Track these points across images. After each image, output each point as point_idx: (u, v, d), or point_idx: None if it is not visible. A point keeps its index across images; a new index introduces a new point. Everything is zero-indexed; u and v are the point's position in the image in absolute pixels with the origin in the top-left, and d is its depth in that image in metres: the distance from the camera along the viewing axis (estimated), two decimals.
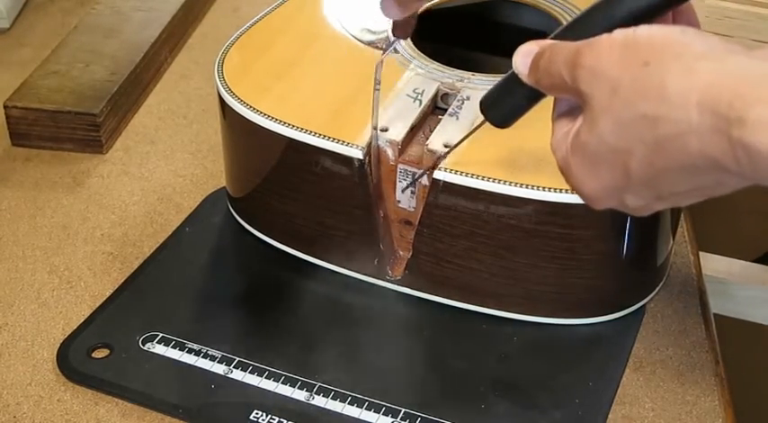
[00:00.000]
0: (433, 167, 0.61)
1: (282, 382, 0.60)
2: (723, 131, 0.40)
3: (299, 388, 0.60)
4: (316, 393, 0.60)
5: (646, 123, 0.42)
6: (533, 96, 0.50)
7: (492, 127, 0.65)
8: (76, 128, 0.81)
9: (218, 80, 0.69)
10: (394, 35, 0.63)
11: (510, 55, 0.50)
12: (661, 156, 0.43)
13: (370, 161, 0.63)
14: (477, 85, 0.68)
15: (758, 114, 0.38)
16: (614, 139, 0.44)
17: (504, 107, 0.52)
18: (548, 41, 0.48)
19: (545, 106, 0.67)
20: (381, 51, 0.66)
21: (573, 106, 0.48)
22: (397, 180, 0.64)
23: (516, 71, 0.49)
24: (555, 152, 0.49)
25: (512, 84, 0.51)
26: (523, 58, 0.49)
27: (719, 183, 0.43)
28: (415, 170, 0.63)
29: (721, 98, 0.40)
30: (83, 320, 0.65)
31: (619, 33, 0.44)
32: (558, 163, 0.49)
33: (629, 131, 0.43)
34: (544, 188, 0.59)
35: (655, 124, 0.42)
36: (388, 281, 0.66)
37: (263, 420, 0.58)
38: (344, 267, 0.68)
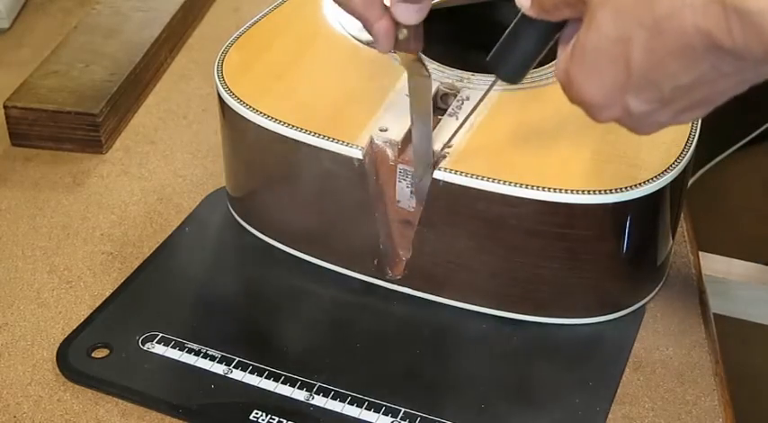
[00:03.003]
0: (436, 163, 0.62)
1: (282, 382, 0.60)
2: (717, 1, 0.41)
3: (298, 388, 0.60)
4: (315, 393, 0.59)
5: (643, 5, 0.43)
6: (539, 39, 0.52)
7: (491, 127, 0.65)
8: (76, 128, 0.81)
9: (217, 80, 0.69)
10: (409, 51, 0.59)
11: None
12: (660, 39, 0.44)
13: (370, 161, 0.63)
14: (477, 85, 0.68)
15: None
16: (614, 28, 0.45)
17: (513, 58, 0.53)
18: None
19: (542, 107, 0.67)
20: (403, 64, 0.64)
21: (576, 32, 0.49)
22: (397, 180, 0.64)
23: (520, 5, 0.50)
24: (557, 72, 0.50)
25: (516, 32, 0.52)
26: None
27: (717, 70, 0.44)
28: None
29: None
30: (82, 320, 0.65)
31: None
32: (559, 79, 0.50)
33: (628, 17, 0.44)
34: (544, 188, 0.59)
35: (652, 4, 0.43)
36: (388, 281, 0.66)
37: (262, 420, 0.58)
38: (344, 267, 0.68)
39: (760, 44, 0.41)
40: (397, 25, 0.57)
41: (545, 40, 0.52)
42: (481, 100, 0.62)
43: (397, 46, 0.58)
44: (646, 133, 0.50)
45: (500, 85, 0.68)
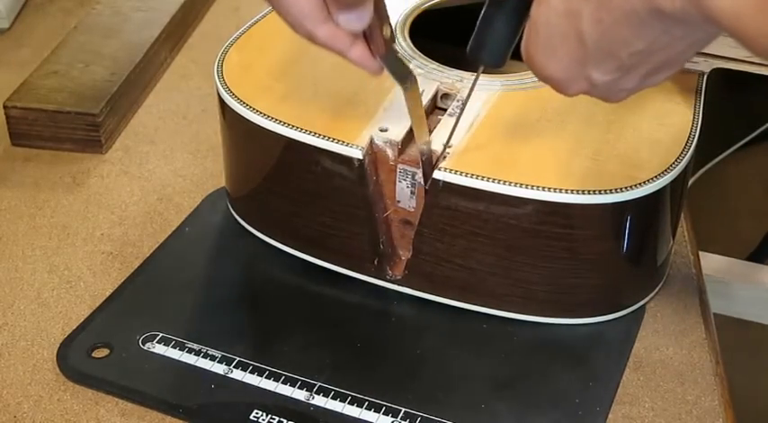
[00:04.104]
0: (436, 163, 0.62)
1: (282, 382, 0.60)
2: None
3: (298, 388, 0.60)
4: (316, 393, 0.60)
5: None
6: (510, 19, 0.53)
7: (491, 127, 0.65)
8: (76, 128, 0.81)
9: (217, 80, 0.69)
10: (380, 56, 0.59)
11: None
12: (605, 8, 0.45)
13: (370, 161, 0.63)
14: (478, 85, 0.68)
15: None
16: (561, 1, 0.46)
17: (490, 43, 0.54)
18: None
19: (542, 107, 0.67)
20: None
21: None
22: (397, 180, 0.64)
23: None
24: (522, 52, 0.50)
25: (488, 16, 0.53)
26: None
27: (669, 34, 0.45)
28: (415, 170, 0.63)
29: None
30: (83, 320, 0.65)
31: None
32: (524, 59, 0.50)
33: None
34: (544, 188, 0.59)
35: None
36: (388, 281, 0.66)
37: (263, 420, 0.58)
38: (345, 267, 0.68)
39: (694, 6, 0.42)
40: (371, 48, 0.57)
41: (516, 21, 0.53)
42: (471, 92, 0.62)
43: (386, 64, 0.59)
44: (617, 101, 0.51)
45: (497, 82, 0.68)
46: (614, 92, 0.50)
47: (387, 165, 0.64)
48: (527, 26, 0.49)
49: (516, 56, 0.55)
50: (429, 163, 0.62)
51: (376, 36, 0.57)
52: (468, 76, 0.69)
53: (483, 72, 0.69)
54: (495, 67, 0.56)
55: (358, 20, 0.55)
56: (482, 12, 0.54)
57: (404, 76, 0.61)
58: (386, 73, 0.60)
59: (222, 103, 0.68)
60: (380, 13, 0.57)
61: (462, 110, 0.64)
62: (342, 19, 0.55)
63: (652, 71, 0.48)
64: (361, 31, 0.57)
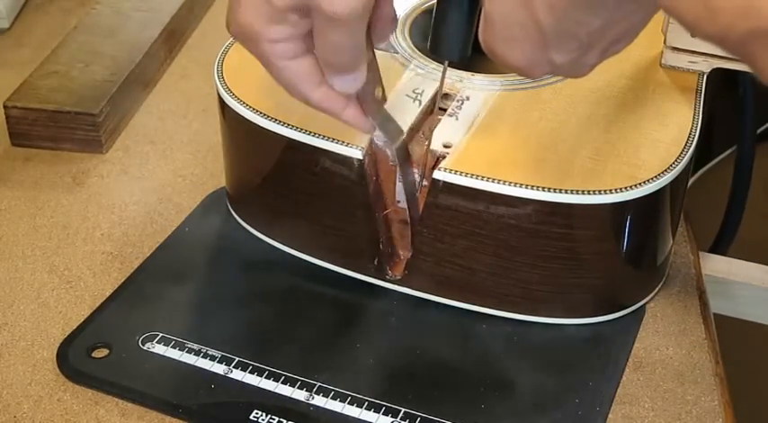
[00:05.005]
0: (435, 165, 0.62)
1: (282, 382, 0.60)
2: None
3: (298, 388, 0.60)
4: (315, 393, 0.60)
5: None
6: (462, 12, 0.53)
7: (491, 126, 0.65)
8: (76, 128, 0.81)
9: (217, 80, 0.69)
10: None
11: None
12: None
13: (370, 161, 0.63)
14: (477, 85, 0.68)
15: None
16: None
17: (447, 37, 0.55)
18: None
19: (542, 107, 0.67)
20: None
21: None
22: (397, 180, 0.64)
23: None
24: (481, 43, 0.51)
25: (441, 11, 0.54)
26: None
27: (621, 10, 0.45)
28: (415, 170, 0.63)
29: None
30: (82, 320, 0.65)
31: None
32: (484, 49, 0.50)
33: None
34: (544, 188, 0.59)
35: None
36: (388, 281, 0.66)
37: (262, 420, 0.58)
38: (345, 267, 0.68)
39: None
40: (363, 107, 0.58)
41: (469, 14, 0.53)
42: (441, 85, 0.63)
43: (378, 124, 0.60)
44: (582, 75, 0.52)
45: (497, 81, 0.68)
46: (578, 68, 0.50)
47: (387, 165, 0.64)
48: (482, 18, 0.49)
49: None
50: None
51: (369, 97, 0.58)
52: (468, 76, 0.69)
53: (483, 72, 0.69)
54: (455, 60, 0.56)
55: (353, 83, 0.56)
56: (435, 7, 0.54)
57: (394, 135, 0.62)
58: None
59: (222, 103, 0.68)
60: (374, 75, 0.57)
61: (434, 104, 0.64)
62: (337, 82, 0.55)
63: (612, 43, 0.49)
64: (355, 93, 0.57)
